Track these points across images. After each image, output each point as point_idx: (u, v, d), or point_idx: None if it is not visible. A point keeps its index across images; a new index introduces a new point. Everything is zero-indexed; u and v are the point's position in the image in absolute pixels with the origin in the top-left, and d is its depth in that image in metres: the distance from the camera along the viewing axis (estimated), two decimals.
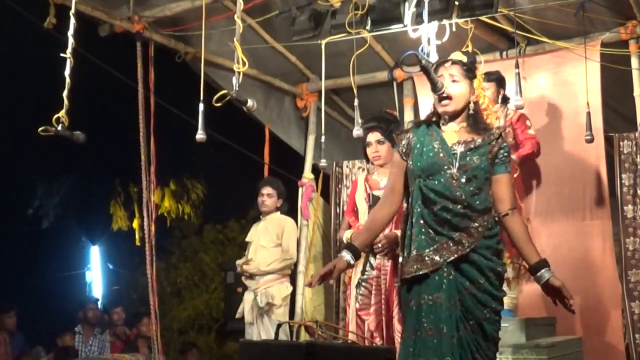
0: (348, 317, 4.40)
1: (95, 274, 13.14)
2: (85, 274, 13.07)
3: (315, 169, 6.94)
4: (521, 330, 4.47)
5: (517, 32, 5.37)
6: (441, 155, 2.93)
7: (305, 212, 6.75)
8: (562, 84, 5.69)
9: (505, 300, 4.88)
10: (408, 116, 6.49)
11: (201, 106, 3.80)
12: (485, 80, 4.86)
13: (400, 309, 3.94)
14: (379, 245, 4.16)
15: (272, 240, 5.60)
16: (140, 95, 5.56)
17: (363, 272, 4.27)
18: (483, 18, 5.26)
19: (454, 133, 2.99)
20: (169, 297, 10.00)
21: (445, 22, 4.62)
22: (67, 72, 3.68)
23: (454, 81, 2.97)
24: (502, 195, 2.97)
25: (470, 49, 5.25)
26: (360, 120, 5.00)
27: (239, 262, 5.69)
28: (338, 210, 6.69)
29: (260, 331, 5.46)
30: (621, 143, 5.55)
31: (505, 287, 3.11)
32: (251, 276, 5.56)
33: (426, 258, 2.85)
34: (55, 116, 3.62)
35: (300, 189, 6.83)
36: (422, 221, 2.90)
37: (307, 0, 5.12)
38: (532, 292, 4.93)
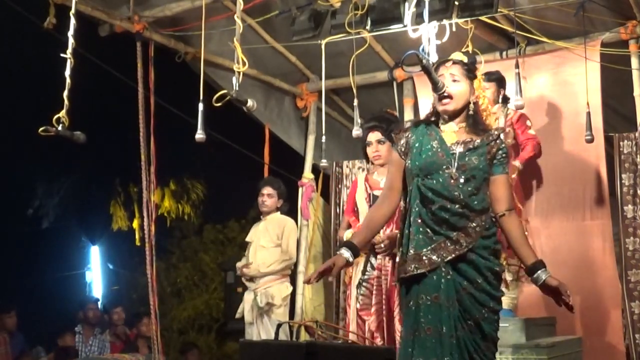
0: (348, 317, 4.40)
1: (95, 274, 13.14)
2: (85, 274, 13.07)
3: (315, 169, 6.95)
4: (521, 330, 4.47)
5: (517, 32, 5.38)
6: (440, 154, 2.94)
7: (305, 212, 6.75)
8: (562, 84, 5.69)
9: (505, 300, 4.88)
10: (408, 116, 6.49)
11: (201, 106, 3.81)
12: (486, 80, 4.86)
13: (401, 309, 3.94)
14: (382, 245, 4.16)
15: (272, 241, 5.60)
16: (140, 95, 5.56)
17: (364, 272, 4.27)
18: (483, 18, 5.26)
19: (453, 133, 2.99)
20: (169, 297, 10.00)
21: (445, 22, 4.62)
22: (67, 72, 3.68)
23: (454, 81, 2.98)
24: (500, 195, 2.98)
25: (470, 49, 5.25)
26: (360, 120, 5.00)
27: (238, 265, 5.69)
28: (338, 210, 6.69)
29: (260, 331, 5.46)
30: (621, 143, 5.55)
31: (502, 288, 3.10)
32: (251, 279, 5.56)
33: (424, 257, 2.85)
34: (56, 116, 3.62)
35: (300, 189, 6.83)
36: (419, 220, 2.90)
37: (307, 0, 5.11)
38: (532, 292, 4.92)
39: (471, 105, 3.00)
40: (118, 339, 7.09)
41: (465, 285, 2.86)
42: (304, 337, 4.77)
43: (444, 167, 2.91)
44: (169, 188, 11.68)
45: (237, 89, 3.61)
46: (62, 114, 3.63)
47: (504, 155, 2.99)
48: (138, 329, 7.14)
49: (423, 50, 4.16)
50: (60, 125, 3.62)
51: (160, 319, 5.60)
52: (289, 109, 7.21)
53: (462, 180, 2.89)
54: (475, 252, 2.87)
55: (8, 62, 8.77)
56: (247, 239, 5.82)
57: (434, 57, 4.25)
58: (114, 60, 5.78)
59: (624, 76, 5.53)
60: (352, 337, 4.18)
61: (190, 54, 6.02)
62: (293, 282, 6.13)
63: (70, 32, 3.74)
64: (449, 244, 2.86)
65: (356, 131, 4.88)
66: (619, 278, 5.36)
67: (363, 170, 6.11)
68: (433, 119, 3.08)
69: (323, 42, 5.21)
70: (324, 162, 5.58)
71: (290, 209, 5.97)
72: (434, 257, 2.85)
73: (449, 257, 2.85)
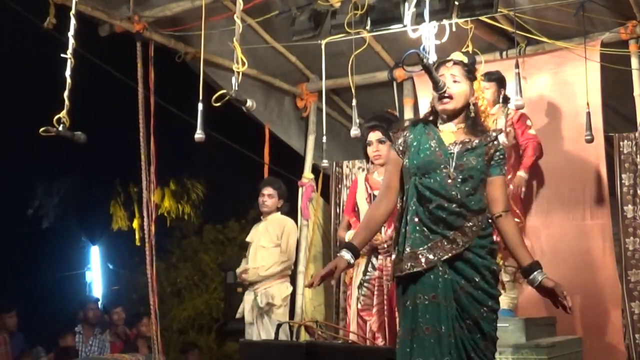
0: (349, 317, 4.40)
1: (95, 274, 13.15)
2: (85, 274, 13.07)
3: (315, 169, 6.95)
4: (521, 330, 4.47)
5: (517, 32, 5.38)
6: (438, 154, 2.94)
7: (305, 212, 6.75)
8: (562, 84, 5.69)
9: (505, 300, 4.90)
10: (408, 116, 6.49)
11: (200, 106, 3.81)
12: (486, 80, 4.88)
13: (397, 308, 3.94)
14: (384, 245, 4.16)
15: (272, 241, 5.60)
16: (140, 95, 5.56)
17: (365, 272, 4.28)
18: (483, 18, 5.26)
19: (451, 133, 3.00)
20: (169, 297, 10.01)
21: (445, 22, 4.62)
22: (67, 73, 3.68)
23: (455, 81, 2.99)
24: (496, 196, 2.99)
25: (470, 49, 5.25)
26: (358, 120, 5.00)
27: (238, 271, 5.69)
28: (338, 210, 6.69)
29: (260, 331, 5.45)
30: (621, 143, 5.55)
31: (499, 289, 3.10)
32: (251, 284, 5.56)
33: (420, 256, 2.86)
34: (56, 116, 3.62)
35: (300, 189, 6.83)
36: (416, 219, 2.90)
37: (307, 0, 5.11)
38: (532, 292, 4.84)
39: (471, 107, 3.02)
40: (118, 339, 7.09)
41: (463, 284, 2.86)
42: (304, 337, 4.77)
43: (442, 166, 2.92)
44: (169, 188, 11.68)
45: (236, 88, 3.61)
46: (63, 114, 3.63)
47: (501, 156, 3.01)
48: (138, 329, 7.14)
49: (424, 49, 4.16)
50: (61, 125, 3.62)
51: (160, 319, 5.59)
52: (289, 109, 7.21)
53: (459, 180, 2.90)
54: (472, 251, 2.88)
55: (8, 62, 8.77)
56: (247, 239, 5.82)
57: (433, 57, 4.25)
58: (114, 60, 5.78)
59: (624, 76, 5.53)
60: (352, 337, 4.18)
61: (190, 54, 6.02)
62: (293, 282, 6.13)
63: (71, 32, 3.74)
64: (445, 243, 2.86)
65: (354, 131, 4.88)
66: (619, 278, 5.36)
67: (363, 170, 6.11)
68: (431, 118, 3.09)
69: (323, 42, 5.21)
70: (324, 163, 5.58)
71: (290, 209, 5.97)
72: (431, 256, 2.85)
73: (446, 256, 2.85)
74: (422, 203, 2.90)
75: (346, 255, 2.98)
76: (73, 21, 3.78)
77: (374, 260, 4.26)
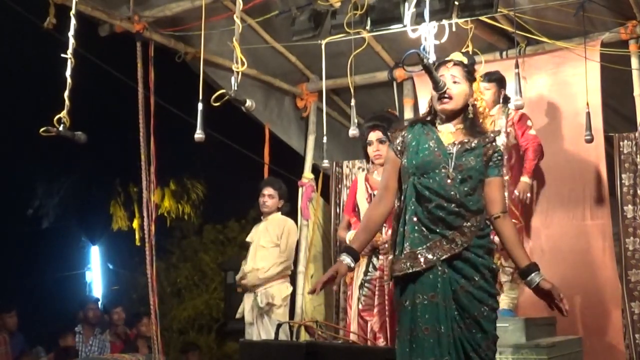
0: (349, 317, 4.39)
1: (95, 274, 13.15)
2: (85, 274, 13.08)
3: (315, 169, 6.95)
4: (521, 330, 4.46)
5: (517, 32, 5.38)
6: (437, 154, 2.95)
7: (305, 212, 6.75)
8: (562, 84, 5.68)
9: (506, 300, 4.90)
10: (408, 116, 6.49)
11: (200, 106, 3.81)
12: (486, 80, 4.88)
13: (394, 308, 3.93)
14: (385, 245, 4.15)
15: (272, 241, 5.59)
16: (140, 95, 5.56)
17: (366, 272, 4.27)
18: (483, 18, 5.26)
19: (449, 134, 3.01)
20: (169, 297, 10.01)
21: (445, 22, 4.62)
22: (68, 73, 3.68)
23: (455, 82, 2.99)
24: (494, 197, 3.00)
25: (470, 49, 5.25)
26: (356, 120, 5.00)
27: (237, 277, 5.68)
28: (338, 210, 6.69)
29: (260, 331, 5.45)
30: (621, 143, 5.55)
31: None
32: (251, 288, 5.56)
33: (419, 256, 2.86)
34: (57, 117, 3.62)
35: (300, 189, 6.83)
36: (415, 218, 2.91)
37: (307, 0, 5.11)
38: (532, 292, 4.92)
39: (469, 107, 3.02)
40: (118, 339, 7.09)
41: (462, 283, 2.86)
42: (304, 337, 4.77)
43: (441, 166, 2.92)
44: (169, 188, 11.69)
45: (235, 88, 3.61)
46: (63, 114, 3.63)
47: (499, 158, 3.02)
48: (138, 329, 7.14)
49: (424, 49, 4.16)
50: (62, 125, 3.62)
51: (160, 319, 5.59)
52: (289, 109, 7.21)
53: (458, 180, 2.90)
54: (470, 251, 2.88)
55: (8, 62, 8.78)
56: (248, 239, 5.82)
57: (433, 57, 4.25)
58: (114, 60, 5.78)
59: (624, 76, 5.53)
60: (352, 337, 4.18)
61: (190, 54, 6.02)
62: (293, 282, 6.13)
63: (71, 32, 3.74)
64: (444, 243, 2.86)
65: (352, 131, 4.88)
66: (619, 278, 5.36)
67: (363, 170, 6.11)
68: (429, 118, 3.09)
69: (323, 42, 5.21)
70: (325, 163, 5.58)
71: (290, 209, 5.97)
72: (430, 256, 2.86)
73: (445, 256, 2.86)
74: (421, 203, 2.91)
75: (346, 259, 2.98)
76: (73, 21, 3.78)
77: (374, 260, 4.25)
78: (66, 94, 3.66)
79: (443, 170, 2.91)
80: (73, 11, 3.80)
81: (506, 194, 4.92)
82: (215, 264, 10.05)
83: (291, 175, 6.99)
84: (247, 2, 4.90)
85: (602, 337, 5.25)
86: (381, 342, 4.12)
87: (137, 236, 11.19)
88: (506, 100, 5.04)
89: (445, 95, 2.97)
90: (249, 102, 3.72)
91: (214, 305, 9.88)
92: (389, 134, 3.24)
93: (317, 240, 6.88)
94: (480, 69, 4.94)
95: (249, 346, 4.20)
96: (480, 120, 3.07)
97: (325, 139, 5.41)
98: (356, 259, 3.02)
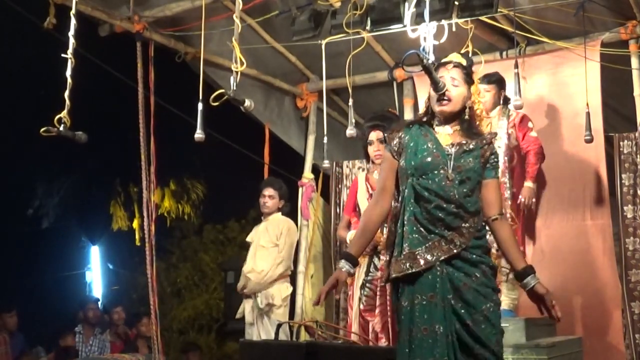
0: (350, 317, 4.40)
1: (95, 274, 13.15)
2: (85, 274, 13.08)
3: (315, 169, 6.95)
4: (521, 330, 4.47)
5: (517, 32, 5.37)
6: (435, 155, 2.95)
7: (305, 212, 6.75)
8: (562, 84, 5.68)
9: (506, 300, 4.90)
10: (408, 116, 6.48)
11: (200, 106, 3.81)
12: (486, 82, 4.88)
13: (392, 309, 3.93)
14: None
15: (272, 241, 5.60)
16: (140, 95, 5.56)
17: (367, 273, 4.28)
18: (483, 18, 5.26)
19: (447, 135, 3.02)
20: (169, 297, 10.01)
21: (445, 22, 4.62)
22: (68, 73, 3.68)
23: (454, 85, 3.00)
24: (492, 199, 3.00)
25: (470, 49, 5.24)
26: (354, 120, 5.00)
27: (239, 287, 5.67)
28: (338, 210, 6.69)
29: (260, 331, 5.45)
30: (621, 143, 5.55)
31: None
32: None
33: (418, 257, 2.86)
34: (57, 117, 3.62)
35: (300, 189, 6.82)
36: (414, 219, 2.91)
37: (307, 0, 5.11)
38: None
39: (467, 110, 3.03)
40: (118, 339, 7.10)
41: (465, 280, 2.86)
42: (304, 337, 4.77)
43: (440, 167, 2.93)
44: (169, 188, 11.69)
45: (234, 88, 3.60)
46: (64, 114, 3.63)
47: (495, 159, 3.03)
48: (138, 329, 7.14)
49: (424, 50, 4.16)
50: (62, 125, 3.62)
51: (160, 319, 5.59)
52: (289, 109, 7.20)
53: (457, 181, 2.91)
54: (468, 251, 2.89)
55: (8, 62, 8.77)
56: (248, 239, 5.82)
57: (433, 58, 4.25)
58: (114, 60, 5.78)
59: (624, 76, 5.53)
60: (352, 337, 4.18)
61: (190, 54, 6.01)
62: (293, 282, 6.13)
63: (71, 32, 3.74)
64: (443, 244, 2.87)
65: (350, 130, 4.88)
66: (619, 278, 5.36)
67: (363, 170, 6.11)
68: (425, 119, 3.09)
69: (323, 42, 5.21)
70: (326, 163, 5.58)
71: (290, 209, 5.97)
72: (429, 257, 2.86)
73: (444, 257, 2.86)
74: (420, 203, 2.91)
75: (345, 266, 2.99)
76: (73, 21, 3.78)
77: (375, 260, 4.26)
78: (66, 94, 3.66)
79: (442, 172, 2.91)
80: (73, 11, 3.81)
81: (508, 195, 4.93)
82: (215, 264, 10.05)
83: (291, 175, 6.99)
84: (247, 2, 4.90)
85: (602, 337, 5.25)
86: (383, 343, 4.12)
87: (137, 236, 11.19)
88: (506, 101, 5.04)
89: (444, 97, 2.97)
90: (247, 102, 3.72)
91: (214, 305, 9.88)
92: (385, 135, 3.24)
93: (317, 240, 6.88)
94: (480, 69, 4.94)
95: (249, 346, 4.20)
96: (477, 123, 3.08)
97: (325, 139, 5.41)
98: (355, 265, 3.03)
